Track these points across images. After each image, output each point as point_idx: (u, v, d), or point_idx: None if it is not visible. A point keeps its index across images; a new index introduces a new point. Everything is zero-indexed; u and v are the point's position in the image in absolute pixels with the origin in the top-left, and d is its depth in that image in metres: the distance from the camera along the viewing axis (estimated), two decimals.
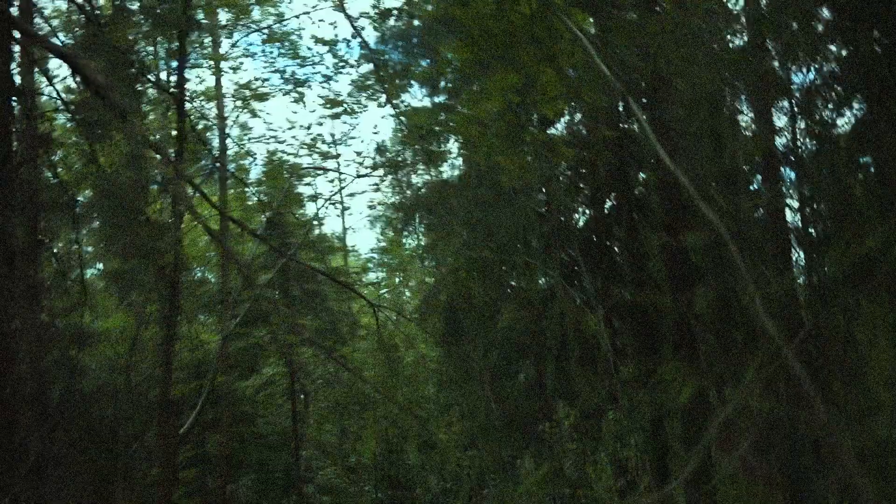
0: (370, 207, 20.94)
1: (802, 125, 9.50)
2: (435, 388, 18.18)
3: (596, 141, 10.31)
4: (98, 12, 10.78)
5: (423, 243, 16.57)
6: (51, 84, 11.04)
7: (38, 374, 8.52)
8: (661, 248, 9.47)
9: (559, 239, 11.97)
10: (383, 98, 13.38)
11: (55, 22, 12.33)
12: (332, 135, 28.58)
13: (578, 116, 12.19)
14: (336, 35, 25.70)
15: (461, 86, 12.22)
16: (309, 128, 21.38)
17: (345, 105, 15.78)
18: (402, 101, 12.56)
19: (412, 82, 12.92)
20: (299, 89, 16.47)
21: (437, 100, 13.86)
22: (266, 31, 15.99)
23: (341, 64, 14.58)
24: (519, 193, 11.69)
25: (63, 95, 11.04)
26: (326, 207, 30.25)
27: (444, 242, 14.80)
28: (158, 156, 6.49)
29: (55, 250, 11.66)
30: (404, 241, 20.75)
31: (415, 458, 19.14)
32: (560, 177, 12.40)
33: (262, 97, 16.09)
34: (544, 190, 13.03)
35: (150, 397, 12.82)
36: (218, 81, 16.64)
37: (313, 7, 15.31)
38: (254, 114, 16.94)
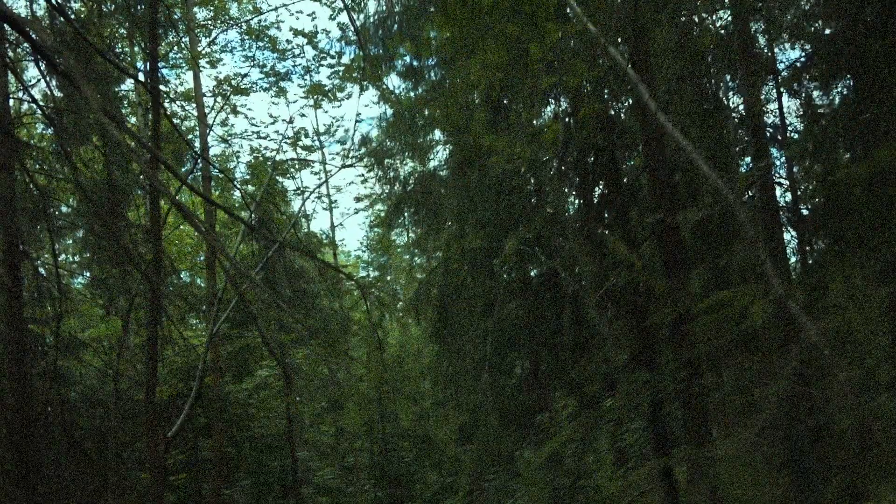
0: (356, 200, 20.80)
1: (790, 104, 9.42)
2: (430, 384, 18.01)
3: (583, 120, 10.15)
4: (73, 16, 10.53)
5: (412, 237, 16.40)
6: (26, 91, 10.76)
7: (22, 383, 8.32)
8: (653, 228, 9.33)
9: (551, 227, 11.83)
10: (366, 82, 13.17)
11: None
12: (315, 128, 28.35)
13: (564, 105, 12.04)
14: (315, 26, 25.40)
15: (444, 69, 12.00)
16: (291, 121, 20.96)
17: (325, 87, 15.56)
18: (385, 86, 12.36)
19: (396, 65, 12.69)
20: (280, 84, 16.31)
21: (420, 92, 13.64)
22: (244, 25, 15.80)
23: (322, 56, 14.43)
24: (508, 180, 11.54)
25: (40, 101, 10.78)
26: (313, 200, 29.96)
27: (434, 235, 14.63)
28: (123, 134, 6.24)
29: (38, 259, 11.42)
30: (392, 236, 20.59)
31: (406, 439, 18.93)
32: (549, 166, 12.26)
33: (243, 91, 15.90)
34: (533, 180, 12.88)
35: (138, 402, 12.63)
36: (196, 78, 16.40)
37: None
38: (234, 110, 16.77)
